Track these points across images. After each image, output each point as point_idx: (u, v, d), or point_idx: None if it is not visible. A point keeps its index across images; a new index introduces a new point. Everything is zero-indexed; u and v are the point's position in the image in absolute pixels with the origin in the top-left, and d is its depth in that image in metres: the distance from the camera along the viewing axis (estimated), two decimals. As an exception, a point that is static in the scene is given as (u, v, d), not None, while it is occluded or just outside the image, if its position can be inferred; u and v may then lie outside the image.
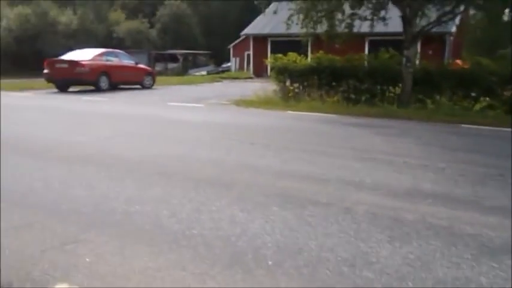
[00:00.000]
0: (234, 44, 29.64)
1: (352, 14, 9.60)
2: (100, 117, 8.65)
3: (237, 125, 7.78)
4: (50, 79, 14.62)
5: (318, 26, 9.62)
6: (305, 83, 10.29)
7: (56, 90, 14.73)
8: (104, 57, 15.15)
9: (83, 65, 13.97)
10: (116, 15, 34.55)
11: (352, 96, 9.61)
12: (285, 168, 4.42)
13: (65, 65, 14.19)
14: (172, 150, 5.27)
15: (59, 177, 4.01)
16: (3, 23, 29.80)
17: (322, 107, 9.40)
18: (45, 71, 14.52)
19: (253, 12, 27.41)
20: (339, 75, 9.83)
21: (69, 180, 3.92)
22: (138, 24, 33.65)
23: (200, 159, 4.79)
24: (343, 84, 9.75)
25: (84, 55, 14.76)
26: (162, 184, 3.82)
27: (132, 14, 35.31)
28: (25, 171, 4.25)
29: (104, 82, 14.52)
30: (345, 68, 9.73)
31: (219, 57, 33.05)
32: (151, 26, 35.19)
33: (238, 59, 29.08)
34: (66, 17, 31.33)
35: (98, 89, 14.33)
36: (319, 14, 9.46)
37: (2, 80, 19.01)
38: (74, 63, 14.05)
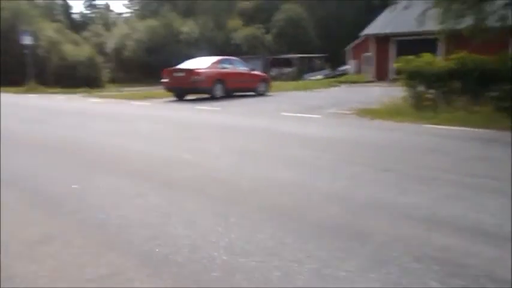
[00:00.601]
0: (352, 45, 28.23)
1: (508, 4, 7.78)
2: (211, 129, 8.21)
3: (363, 143, 6.47)
4: (168, 88, 15.09)
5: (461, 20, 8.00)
6: (443, 89, 8.67)
7: (174, 98, 15.13)
8: (220, 65, 15.19)
9: (198, 74, 14.09)
10: (234, 22, 35.67)
11: (508, 105, 7.74)
12: (439, 212, 3.22)
13: (182, 74, 14.46)
14: (285, 176, 4.40)
15: (158, 208, 3.43)
16: (135, 35, 32.57)
17: (469, 120, 7.61)
18: (164, 80, 15.00)
19: (370, 13, 25.80)
20: (488, 79, 8.02)
21: (168, 213, 3.31)
22: (254, 30, 34.32)
23: (320, 191, 3.84)
24: (494, 89, 7.94)
25: (200, 63, 14.96)
26: (273, 226, 3.01)
27: (249, 20, 36.10)
28: (122, 197, 3.77)
29: (218, 90, 14.51)
30: (496, 70, 7.86)
31: (335, 60, 31.99)
32: (267, 32, 35.51)
33: (356, 61, 27.61)
34: (188, 27, 33.09)
35: (213, 97, 14.32)
36: (464, 6, 7.85)
37: (131, 89, 20.40)
38: (189, 72, 14.25)
